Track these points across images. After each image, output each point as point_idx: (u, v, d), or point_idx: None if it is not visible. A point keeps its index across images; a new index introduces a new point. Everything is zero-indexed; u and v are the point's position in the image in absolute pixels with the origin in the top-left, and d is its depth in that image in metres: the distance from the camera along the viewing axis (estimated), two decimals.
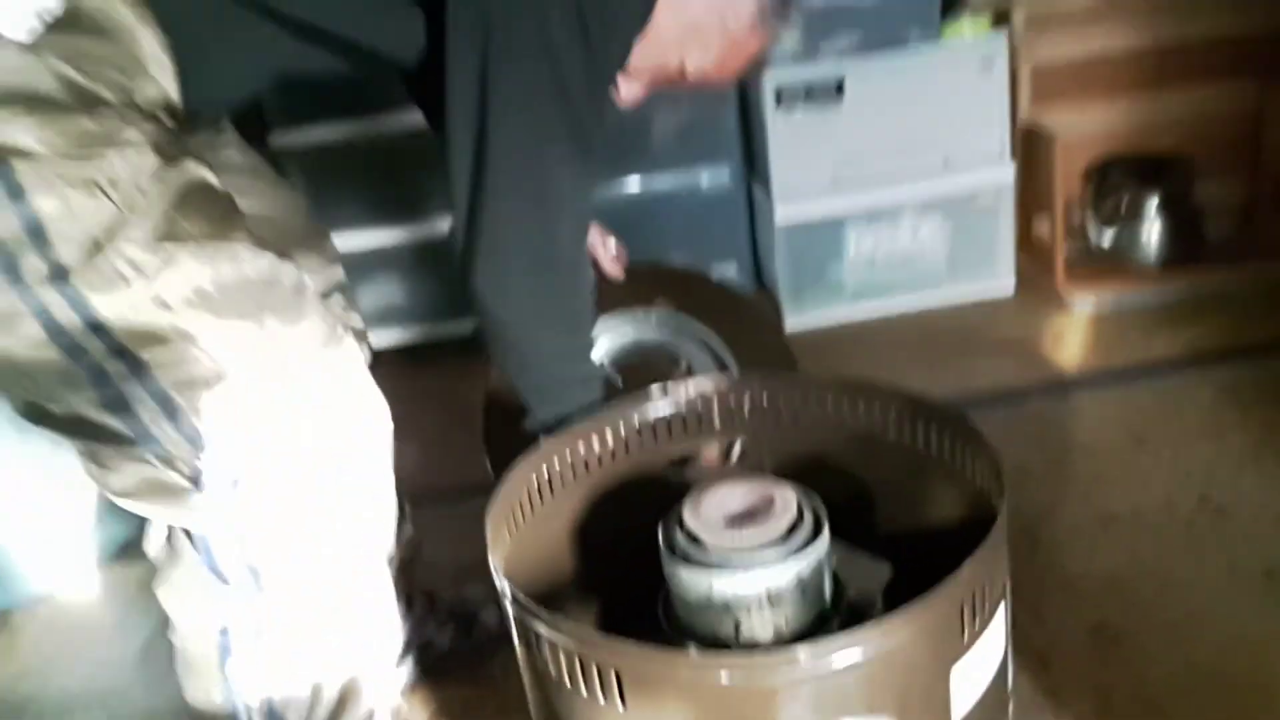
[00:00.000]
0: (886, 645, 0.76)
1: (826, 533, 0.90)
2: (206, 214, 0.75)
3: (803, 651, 0.75)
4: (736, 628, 0.87)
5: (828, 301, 1.98)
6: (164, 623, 0.88)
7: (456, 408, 1.84)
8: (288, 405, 0.78)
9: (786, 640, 0.87)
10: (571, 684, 0.82)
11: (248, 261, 0.75)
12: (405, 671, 1.25)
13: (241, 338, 0.75)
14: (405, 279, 2.05)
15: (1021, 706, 1.08)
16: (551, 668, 0.83)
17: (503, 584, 0.86)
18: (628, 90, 0.98)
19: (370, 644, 0.89)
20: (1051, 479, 1.48)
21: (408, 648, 1.24)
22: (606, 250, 1.49)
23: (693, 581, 0.88)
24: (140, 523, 1.62)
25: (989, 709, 0.88)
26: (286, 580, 0.83)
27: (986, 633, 0.84)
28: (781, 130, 1.87)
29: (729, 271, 2.11)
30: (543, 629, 0.82)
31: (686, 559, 0.89)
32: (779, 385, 1.09)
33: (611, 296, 1.37)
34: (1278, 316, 1.79)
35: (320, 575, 0.84)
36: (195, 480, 0.77)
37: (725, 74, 1.00)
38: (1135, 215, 2.00)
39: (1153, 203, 1.99)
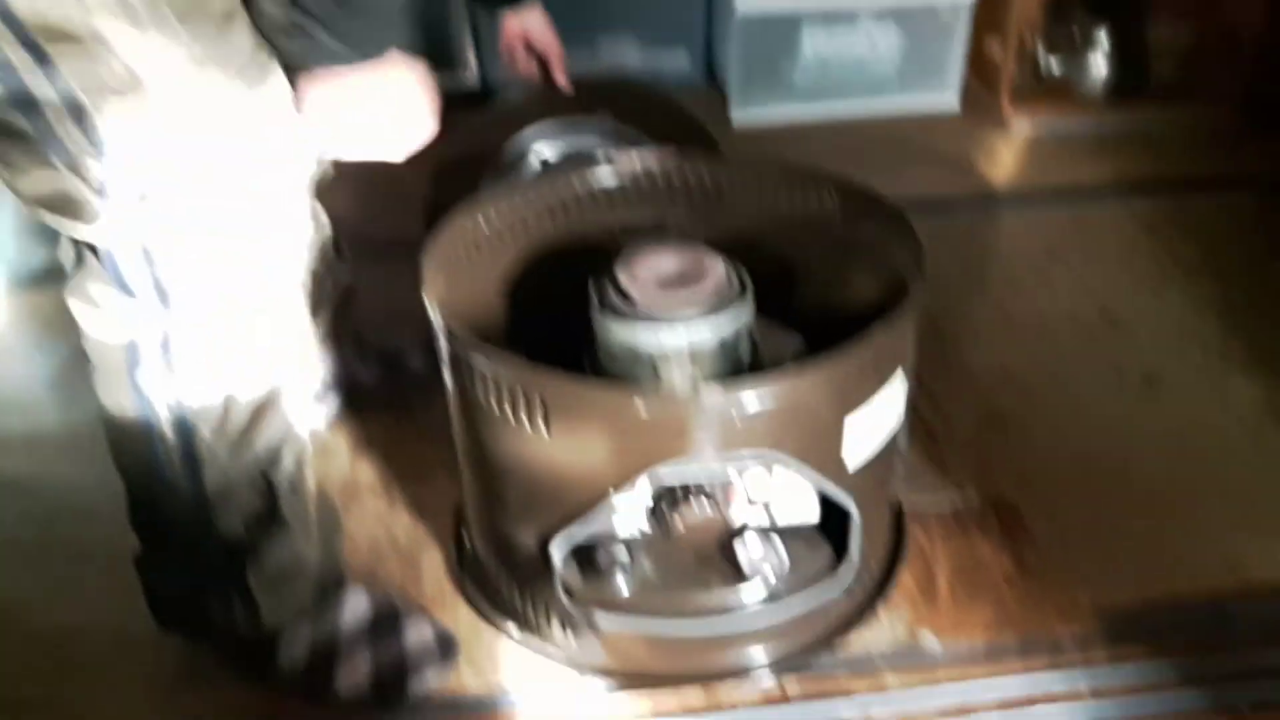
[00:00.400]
0: (790, 391, 0.84)
1: (750, 300, 0.96)
2: None
3: (713, 394, 0.83)
4: (656, 377, 0.94)
5: (777, 100, 1.99)
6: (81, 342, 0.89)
7: (409, 162, 1.85)
8: (201, 125, 0.77)
9: None
10: (499, 413, 0.89)
11: None
12: (330, 406, 1.31)
13: (159, 51, 0.74)
14: None
15: (911, 472, 1.19)
16: (481, 397, 0.89)
17: (437, 318, 0.92)
18: None
19: (285, 364, 0.91)
20: (967, 283, 1.56)
21: (334, 384, 1.30)
22: (557, 63, 1.50)
23: (619, 334, 0.94)
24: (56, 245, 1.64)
25: (878, 463, 0.97)
26: (193, 298, 0.83)
27: (883, 395, 0.92)
28: None
29: (679, 60, 2.10)
30: (477, 361, 0.88)
31: (615, 312, 0.95)
32: (719, 165, 1.13)
33: (556, 106, 1.42)
34: (1204, 157, 1.86)
35: (227, 296, 0.84)
36: (100, 191, 0.77)
37: None
38: (1084, 46, 2.03)
39: (1103, 35, 2.01)
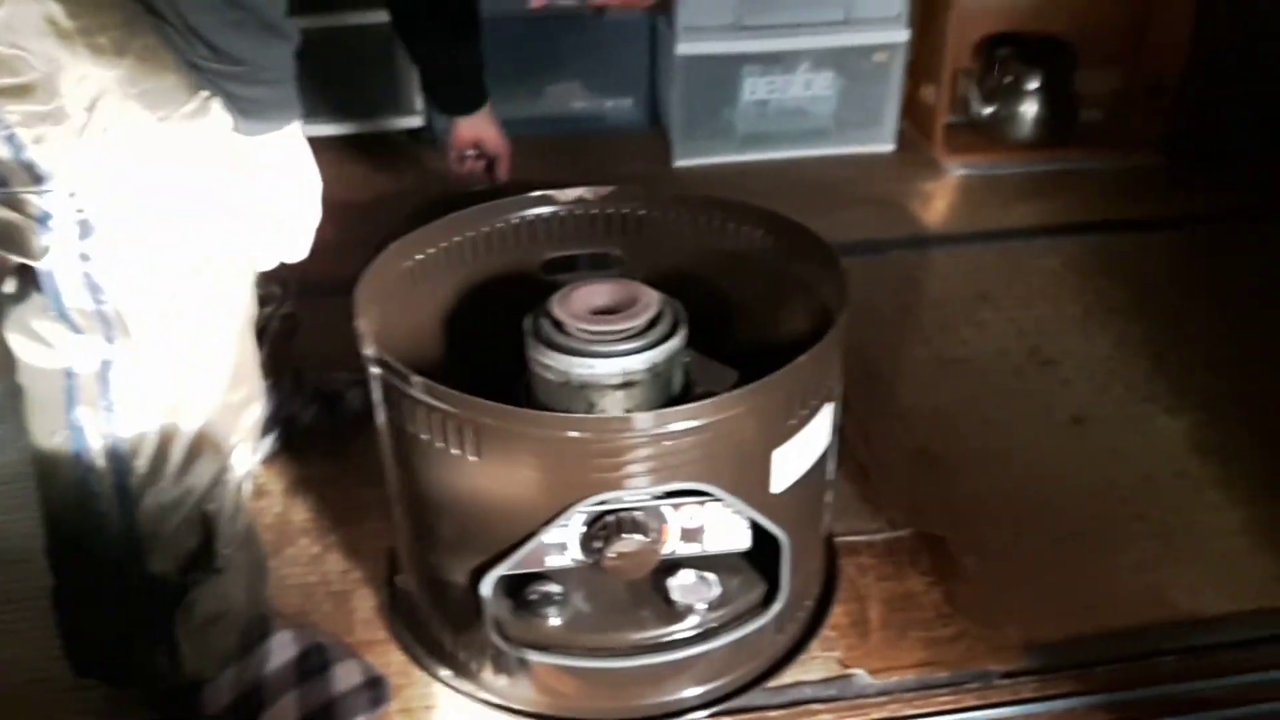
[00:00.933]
0: (718, 418, 0.85)
1: (684, 330, 0.97)
2: None
3: (642, 418, 0.83)
4: (590, 409, 0.94)
5: (718, 143, 2.02)
6: (12, 384, 0.88)
7: (359, 201, 1.86)
8: (139, 155, 0.77)
9: None
10: (431, 442, 0.88)
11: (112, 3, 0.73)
12: (267, 444, 1.29)
13: (95, 82, 0.73)
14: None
15: (844, 509, 1.20)
16: (412, 427, 0.89)
17: (369, 347, 0.91)
18: None
19: (228, 397, 0.89)
20: (899, 323, 1.59)
21: (272, 422, 1.28)
22: (504, 164, 1.55)
23: (554, 364, 0.94)
24: None
25: (806, 492, 0.98)
26: (136, 329, 0.82)
27: (811, 425, 0.93)
28: None
29: (624, 106, 2.13)
30: (410, 389, 0.87)
31: (550, 344, 0.95)
32: (654, 200, 1.15)
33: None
34: (1130, 199, 1.92)
35: (170, 325, 0.83)
36: (41, 221, 0.76)
37: None
38: (1016, 92, 2.09)
39: (1034, 83, 2.07)
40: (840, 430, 1.01)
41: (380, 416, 0.96)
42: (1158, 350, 1.50)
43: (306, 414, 1.33)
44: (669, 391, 0.97)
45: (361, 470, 1.21)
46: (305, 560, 1.18)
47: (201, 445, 0.88)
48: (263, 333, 1.22)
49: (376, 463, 1.01)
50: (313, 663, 1.01)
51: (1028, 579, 1.15)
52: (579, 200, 1.14)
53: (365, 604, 1.12)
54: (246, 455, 0.92)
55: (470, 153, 1.55)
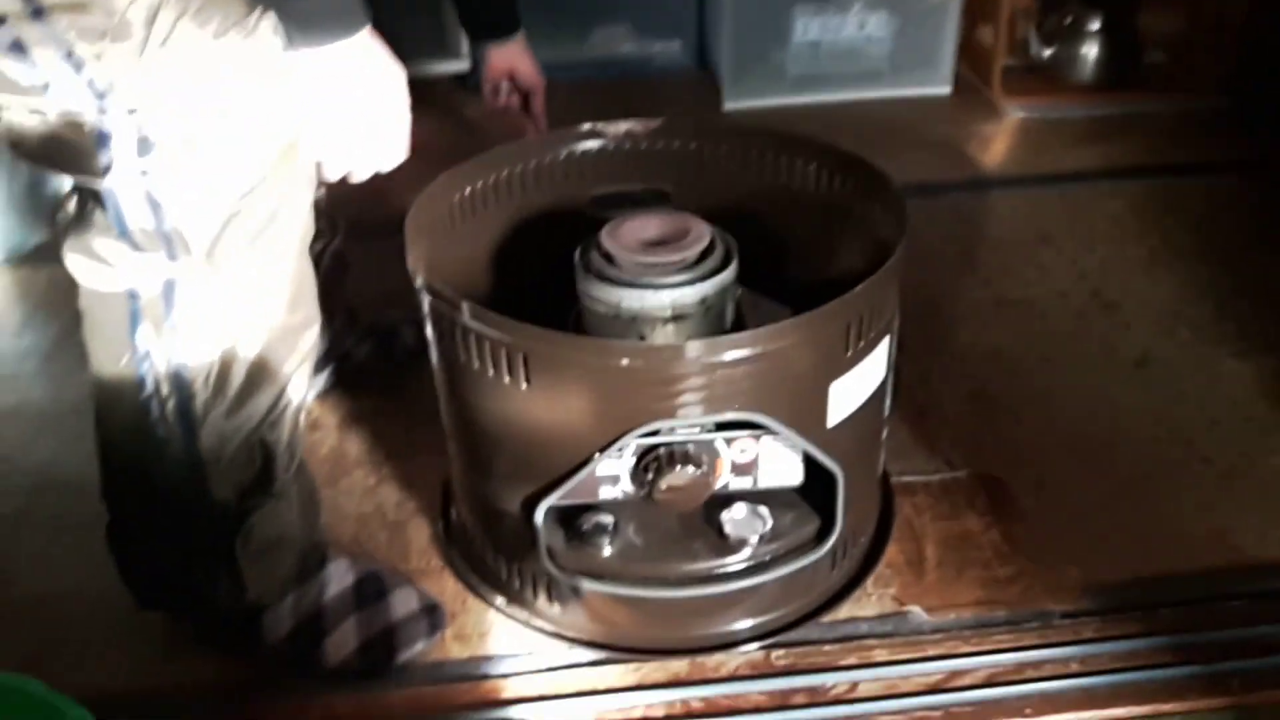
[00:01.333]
0: (773, 347, 0.83)
1: (735, 263, 0.96)
2: None
3: (693, 346, 0.82)
4: (641, 340, 0.93)
5: (769, 86, 1.99)
6: (73, 319, 0.88)
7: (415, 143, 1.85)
8: (198, 72, 0.76)
9: None
10: (483, 370, 0.88)
11: None
12: (321, 381, 1.30)
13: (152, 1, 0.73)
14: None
15: (900, 449, 1.19)
16: (464, 355, 0.89)
17: (420, 278, 0.91)
18: None
19: (286, 322, 0.88)
20: (957, 265, 1.55)
21: (325, 359, 1.29)
22: (539, 99, 1.50)
23: (604, 296, 0.93)
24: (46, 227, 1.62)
25: (862, 428, 0.96)
26: (198, 248, 0.82)
27: (868, 359, 0.92)
28: None
29: (672, 49, 2.10)
30: (460, 317, 0.87)
31: (600, 276, 0.94)
32: (704, 133, 1.12)
33: None
34: (1193, 142, 1.86)
35: (235, 247, 0.83)
36: (102, 140, 0.76)
37: None
38: (1076, 34, 2.03)
39: (1095, 24, 2.01)
40: (897, 371, 0.99)
41: (432, 348, 0.96)
42: (1224, 293, 1.46)
43: (360, 351, 1.34)
44: (721, 327, 0.96)
45: (416, 404, 1.21)
46: (360, 491, 1.18)
47: (262, 369, 0.88)
48: (315, 269, 1.23)
49: (430, 397, 1.01)
50: (370, 589, 1.02)
51: (1088, 520, 1.12)
52: (627, 134, 1.12)
53: (420, 534, 1.13)
54: (303, 382, 0.92)
55: (505, 85, 1.52)
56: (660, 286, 0.92)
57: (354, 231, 1.26)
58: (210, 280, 0.83)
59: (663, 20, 2.08)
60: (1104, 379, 1.32)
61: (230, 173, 0.81)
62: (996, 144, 1.89)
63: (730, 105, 2.00)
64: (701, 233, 0.96)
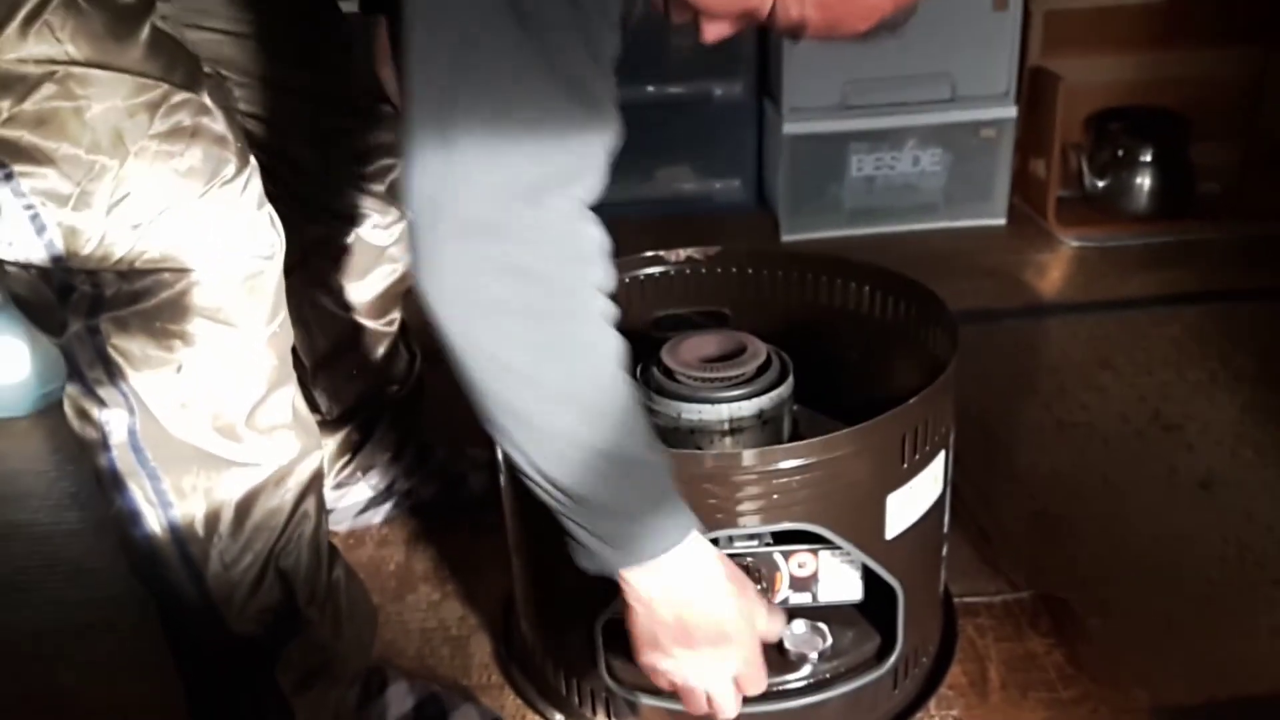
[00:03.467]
0: (828, 457, 0.85)
1: (791, 379, 0.99)
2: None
3: (750, 454, 0.85)
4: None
5: (826, 219, 2.05)
6: None
7: None
8: (149, 230, 0.76)
9: None
10: None
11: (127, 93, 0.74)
12: (385, 510, 1.32)
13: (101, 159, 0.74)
14: None
15: (962, 571, 1.18)
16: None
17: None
18: (713, 30, 0.77)
19: (278, 445, 0.86)
20: (1016, 389, 1.57)
21: (388, 494, 1.32)
22: None
23: (664, 409, 0.97)
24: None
25: (921, 542, 0.97)
26: (151, 397, 0.81)
27: (925, 472, 0.93)
28: (797, 48, 1.93)
29: (733, 187, 2.18)
30: None
31: (660, 390, 0.98)
32: (762, 257, 1.17)
33: None
34: (1249, 269, 1.87)
35: (196, 389, 0.81)
36: (61, 294, 0.78)
37: (839, 27, 0.74)
38: (1129, 165, 2.07)
39: (1147, 155, 2.05)
40: (955, 490, 1.00)
41: (500, 466, 0.99)
42: None
43: (425, 491, 1.33)
44: (778, 441, 0.99)
45: (482, 517, 1.24)
46: (425, 607, 1.21)
47: (252, 505, 0.86)
48: (384, 403, 1.27)
49: (495, 518, 1.04)
50: (429, 712, 1.02)
51: (1156, 642, 1.10)
52: (688, 260, 1.17)
53: (482, 649, 1.14)
54: (313, 509, 0.90)
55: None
56: (718, 400, 0.96)
57: (430, 356, 1.31)
58: (176, 418, 0.82)
59: (723, 160, 2.17)
60: (1168, 500, 1.31)
61: (183, 315, 0.79)
62: (1053, 272, 1.92)
63: (788, 238, 2.06)
64: (758, 349, 0.99)
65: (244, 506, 0.86)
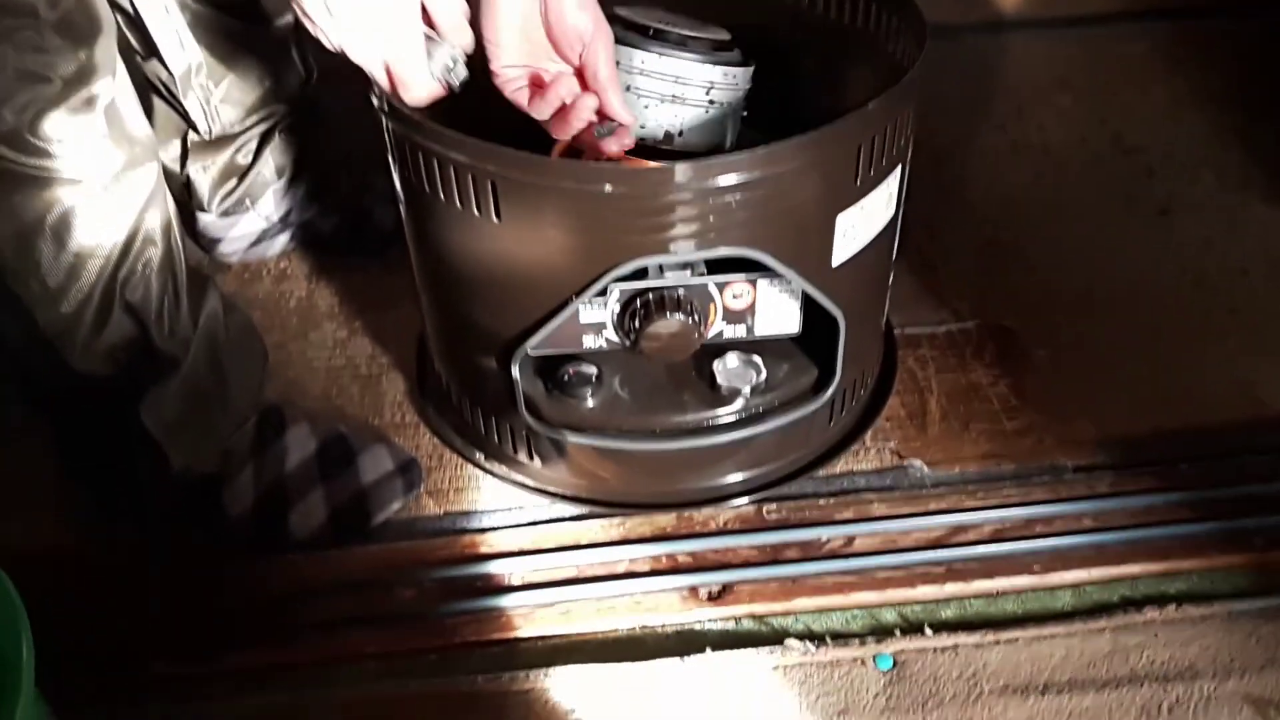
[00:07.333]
0: (775, 171, 0.75)
1: (750, 68, 0.87)
2: None
3: (683, 168, 0.73)
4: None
5: None
6: None
7: None
8: None
9: None
10: (448, 199, 0.79)
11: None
12: (281, 242, 1.20)
13: None
14: None
15: (905, 301, 1.11)
16: (428, 185, 0.80)
17: (377, 96, 0.81)
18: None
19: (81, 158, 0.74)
20: (971, 111, 1.45)
21: (283, 224, 1.19)
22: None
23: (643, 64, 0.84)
24: None
25: (868, 270, 0.89)
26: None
27: (879, 189, 0.83)
28: None
29: None
30: (422, 138, 0.78)
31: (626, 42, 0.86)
32: None
33: None
34: None
35: None
36: None
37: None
38: None
39: None
40: (903, 218, 0.91)
41: (397, 183, 0.87)
42: (1255, 139, 1.36)
43: (324, 224, 1.20)
44: (721, 137, 0.88)
45: (388, 257, 1.14)
46: (331, 344, 1.12)
47: (66, 218, 0.75)
48: (273, 125, 1.12)
49: (402, 248, 0.93)
50: (335, 453, 0.95)
51: (1105, 372, 1.06)
52: None
53: (395, 388, 1.07)
54: (157, 230, 0.80)
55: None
56: (674, 56, 0.83)
57: (325, 76, 1.15)
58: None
59: None
60: (1124, 227, 1.24)
61: None
62: None
63: None
64: (720, 30, 0.87)
65: (59, 226, 0.75)
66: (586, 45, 0.77)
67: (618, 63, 0.83)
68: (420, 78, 0.74)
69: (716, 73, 0.84)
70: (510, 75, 0.79)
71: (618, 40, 0.82)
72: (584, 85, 0.79)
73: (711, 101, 0.84)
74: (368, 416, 1.03)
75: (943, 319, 1.12)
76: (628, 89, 0.84)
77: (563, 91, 0.78)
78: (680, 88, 0.84)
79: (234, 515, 0.91)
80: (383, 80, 0.74)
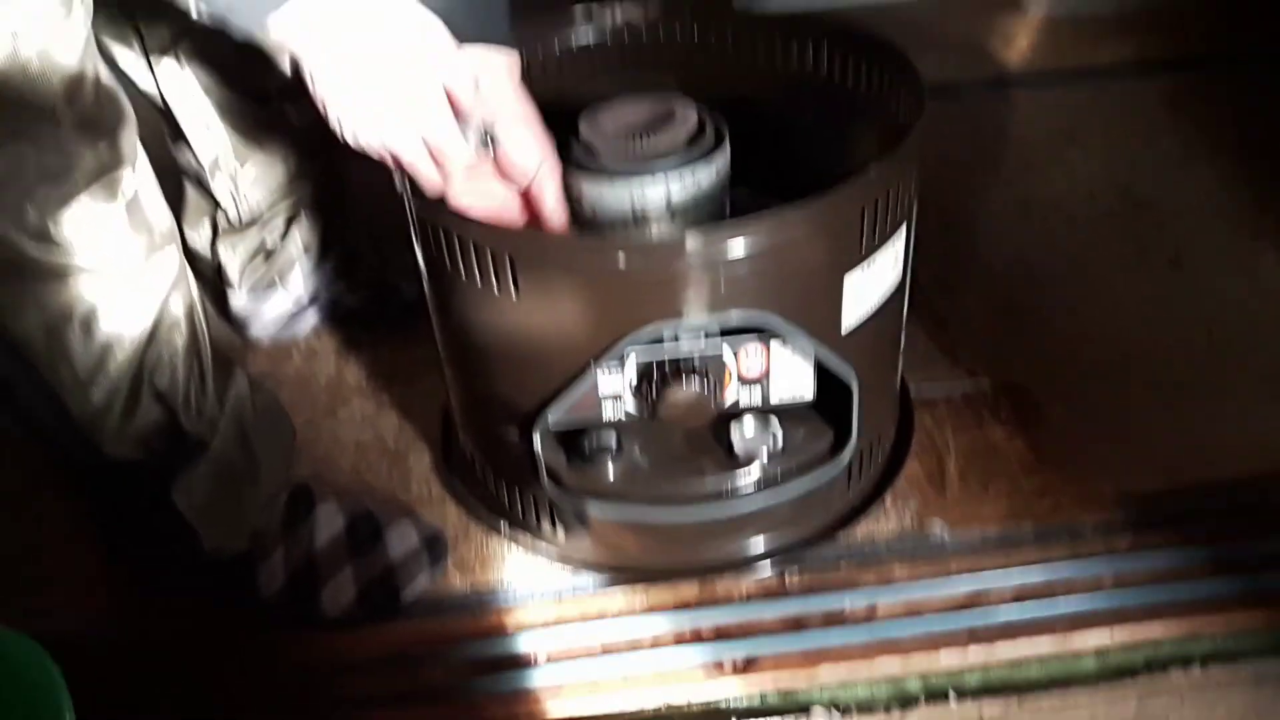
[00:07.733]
0: (781, 237, 0.77)
1: (727, 149, 0.89)
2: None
3: (695, 237, 0.76)
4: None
5: None
6: None
7: None
8: None
9: None
10: (469, 277, 0.82)
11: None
12: (309, 317, 1.23)
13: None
14: None
15: (920, 362, 1.13)
16: (449, 262, 0.83)
17: (400, 178, 0.84)
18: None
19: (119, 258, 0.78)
20: (978, 168, 1.48)
21: (312, 302, 1.22)
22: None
23: (587, 192, 0.86)
24: None
25: (879, 332, 0.90)
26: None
27: (885, 249, 0.85)
28: None
29: None
30: (440, 218, 0.81)
31: (580, 168, 0.87)
32: (710, 19, 1.05)
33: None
34: (1232, 32, 1.75)
35: None
36: None
37: None
38: None
39: None
40: (914, 276, 0.92)
41: (420, 262, 0.90)
42: (1263, 187, 1.38)
43: (352, 299, 1.23)
44: (718, 215, 0.90)
45: (417, 328, 1.16)
46: (359, 420, 1.14)
47: (96, 315, 0.77)
48: (298, 203, 1.15)
49: (427, 322, 0.96)
50: (363, 530, 0.96)
51: (1121, 429, 1.06)
52: (627, 25, 1.04)
53: (421, 461, 1.08)
54: (180, 313, 0.82)
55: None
56: (645, 175, 0.85)
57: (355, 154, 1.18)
58: None
59: None
60: (1136, 280, 1.25)
61: None
62: (1019, 41, 1.79)
63: (740, 3, 1.90)
64: (688, 114, 0.88)
65: (86, 316, 0.77)
66: (533, 180, 0.80)
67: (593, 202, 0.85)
68: (458, 144, 0.74)
69: (699, 169, 0.85)
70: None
71: (595, 171, 0.85)
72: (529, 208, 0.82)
73: (700, 195, 0.86)
74: (395, 490, 1.05)
75: (958, 379, 1.13)
76: (591, 214, 0.86)
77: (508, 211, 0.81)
78: (639, 204, 0.85)
79: (268, 594, 0.93)
80: (422, 162, 0.75)
